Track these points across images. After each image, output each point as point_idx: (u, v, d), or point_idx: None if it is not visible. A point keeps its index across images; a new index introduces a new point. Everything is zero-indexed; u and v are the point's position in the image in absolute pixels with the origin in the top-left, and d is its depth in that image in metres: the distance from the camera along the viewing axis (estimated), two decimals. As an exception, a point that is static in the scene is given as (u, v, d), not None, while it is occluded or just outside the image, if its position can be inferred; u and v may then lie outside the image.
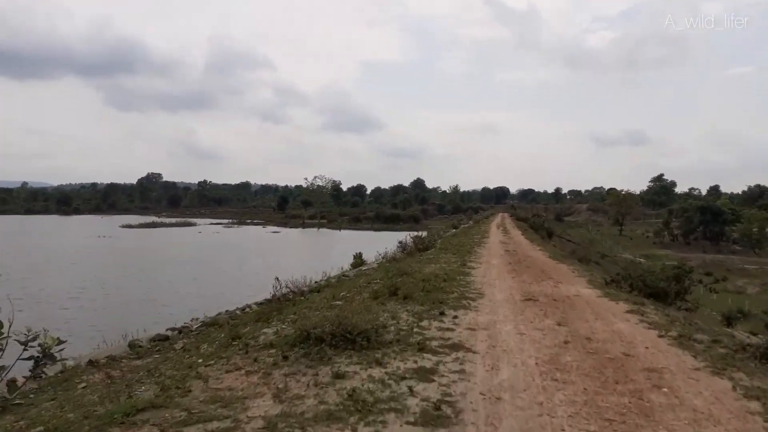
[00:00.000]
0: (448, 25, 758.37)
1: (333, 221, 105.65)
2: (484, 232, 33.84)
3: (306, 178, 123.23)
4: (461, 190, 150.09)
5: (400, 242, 23.35)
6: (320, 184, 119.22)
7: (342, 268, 28.78)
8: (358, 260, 31.61)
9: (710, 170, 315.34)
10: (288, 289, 11.14)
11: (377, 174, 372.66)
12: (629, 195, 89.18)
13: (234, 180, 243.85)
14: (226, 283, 30.69)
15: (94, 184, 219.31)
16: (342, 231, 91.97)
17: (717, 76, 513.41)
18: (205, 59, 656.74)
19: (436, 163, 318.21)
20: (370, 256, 28.24)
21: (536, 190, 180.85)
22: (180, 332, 11.44)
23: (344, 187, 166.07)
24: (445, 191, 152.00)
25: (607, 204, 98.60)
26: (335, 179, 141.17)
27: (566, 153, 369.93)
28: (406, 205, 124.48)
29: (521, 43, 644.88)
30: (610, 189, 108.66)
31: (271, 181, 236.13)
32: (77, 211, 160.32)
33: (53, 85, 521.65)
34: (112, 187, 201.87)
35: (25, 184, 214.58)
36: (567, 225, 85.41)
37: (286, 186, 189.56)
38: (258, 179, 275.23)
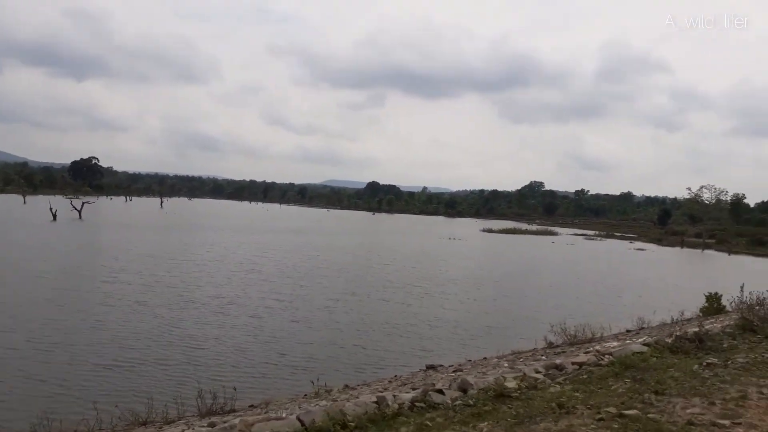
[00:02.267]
0: None
1: (724, 242, 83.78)
2: None
3: (689, 188, 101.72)
4: None
5: None
6: (706, 196, 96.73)
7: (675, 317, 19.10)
8: (711, 305, 20.95)
9: None
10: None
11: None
12: None
13: (617, 190, 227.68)
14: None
15: (482, 191, 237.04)
16: (732, 255, 71.51)
17: None
18: (596, 66, 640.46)
19: None
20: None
21: None
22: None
23: (751, 202, 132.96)
24: None
25: None
26: (738, 192, 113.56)
27: None
28: None
29: None
30: None
31: (660, 193, 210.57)
32: (460, 214, 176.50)
33: (456, 102, 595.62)
34: (494, 194, 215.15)
35: (425, 189, 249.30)
36: None
37: (675, 198, 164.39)
38: (645, 190, 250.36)
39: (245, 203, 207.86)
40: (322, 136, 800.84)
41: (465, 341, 18.54)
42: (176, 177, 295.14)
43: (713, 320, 15.84)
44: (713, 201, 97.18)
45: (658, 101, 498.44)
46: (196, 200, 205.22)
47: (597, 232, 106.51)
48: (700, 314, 20.30)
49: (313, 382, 11.90)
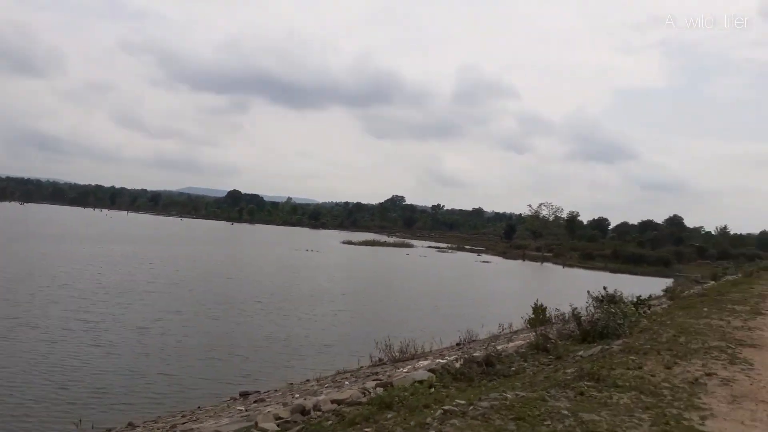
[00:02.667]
0: (720, 47, 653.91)
1: (560, 256, 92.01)
2: (762, 296, 19.86)
3: (530, 206, 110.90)
4: (731, 232, 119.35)
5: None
6: (545, 213, 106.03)
7: (505, 328, 19.44)
8: (537, 316, 21.64)
9: None
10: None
11: (627, 208, 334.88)
12: None
13: (470, 206, 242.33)
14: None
15: (346, 203, 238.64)
16: (566, 268, 78.54)
17: None
18: (453, 89, 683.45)
19: (699, 200, 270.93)
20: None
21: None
22: None
23: (584, 219, 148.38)
24: (709, 232, 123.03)
25: None
26: (573, 210, 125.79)
27: None
28: (656, 244, 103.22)
29: None
30: None
31: (508, 210, 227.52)
32: (324, 226, 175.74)
33: (322, 114, 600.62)
34: (358, 207, 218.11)
35: (289, 199, 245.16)
36: None
37: (520, 215, 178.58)
38: (495, 207, 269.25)
39: (89, 210, 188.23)
40: (180, 140, 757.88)
41: (292, 362, 17.23)
42: (9, 179, 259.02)
43: (529, 333, 16.11)
44: (551, 218, 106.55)
45: (507, 125, 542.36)
46: (29, 205, 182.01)
47: (449, 245, 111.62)
48: (528, 325, 20.95)
49: (76, 424, 9.80)
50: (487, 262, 76.14)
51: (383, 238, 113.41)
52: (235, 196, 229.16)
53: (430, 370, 6.60)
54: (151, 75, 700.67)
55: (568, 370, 5.47)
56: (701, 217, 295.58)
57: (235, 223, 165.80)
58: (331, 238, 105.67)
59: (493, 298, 36.89)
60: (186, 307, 24.49)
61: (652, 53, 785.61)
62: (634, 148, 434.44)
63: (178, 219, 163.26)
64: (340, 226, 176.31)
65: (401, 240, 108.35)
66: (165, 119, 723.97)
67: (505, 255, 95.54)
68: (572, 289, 35.41)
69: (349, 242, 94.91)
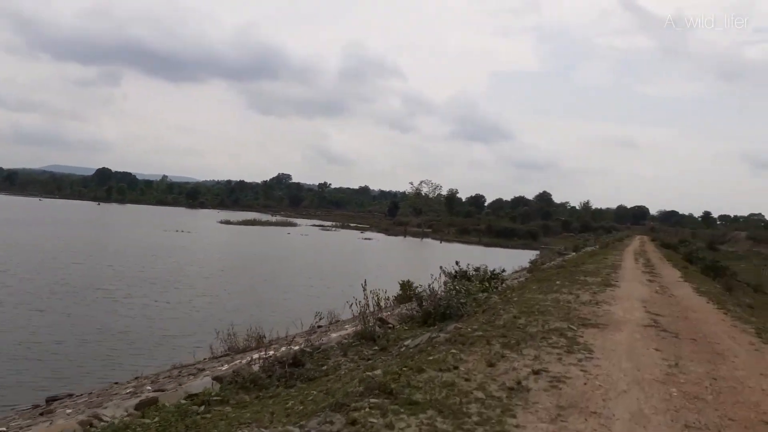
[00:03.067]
0: (587, 34, 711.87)
1: (439, 231, 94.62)
2: (614, 266, 20.79)
3: (411, 183, 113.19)
4: (593, 207, 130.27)
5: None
6: (425, 190, 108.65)
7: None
8: (405, 292, 20.89)
9: None
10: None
11: (503, 185, 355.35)
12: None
13: (357, 184, 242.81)
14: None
15: (228, 182, 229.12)
16: (443, 243, 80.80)
17: None
18: (340, 65, 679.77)
19: (567, 178, 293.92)
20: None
21: (680, 212, 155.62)
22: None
23: (463, 197, 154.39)
24: (574, 207, 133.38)
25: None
26: (452, 188, 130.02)
27: (715, 174, 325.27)
28: (526, 219, 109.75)
29: (666, 54, 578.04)
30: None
31: (393, 188, 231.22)
32: (203, 205, 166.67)
33: (202, 87, 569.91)
34: (241, 185, 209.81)
35: (165, 177, 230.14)
36: (723, 255, 66.20)
37: (404, 192, 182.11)
38: (381, 185, 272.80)
39: None
40: (42, 114, 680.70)
41: (122, 358, 15.02)
42: None
43: (395, 310, 15.28)
44: (432, 195, 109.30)
45: (393, 104, 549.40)
46: None
47: (334, 223, 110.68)
48: (395, 302, 20.26)
49: None
50: (369, 239, 76.06)
51: (266, 217, 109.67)
52: (104, 173, 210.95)
53: (216, 378, 5.15)
54: (6, 42, 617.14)
55: (366, 374, 4.29)
56: (568, 194, 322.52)
57: (102, 204, 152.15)
58: (209, 217, 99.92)
59: (371, 275, 36.31)
60: (7, 298, 20.97)
61: (528, 37, 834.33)
62: (509, 128, 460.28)
63: (37, 200, 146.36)
64: (221, 205, 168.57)
65: (284, 219, 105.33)
66: (24, 91, 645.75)
67: (387, 232, 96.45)
68: (446, 262, 35.75)
69: (227, 222, 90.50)
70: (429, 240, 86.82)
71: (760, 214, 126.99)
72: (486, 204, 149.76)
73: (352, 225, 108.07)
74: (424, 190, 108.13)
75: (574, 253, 48.90)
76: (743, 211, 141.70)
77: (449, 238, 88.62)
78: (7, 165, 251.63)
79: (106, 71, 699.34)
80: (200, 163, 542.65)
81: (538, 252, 54.80)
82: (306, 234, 75.45)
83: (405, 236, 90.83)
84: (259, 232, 74.89)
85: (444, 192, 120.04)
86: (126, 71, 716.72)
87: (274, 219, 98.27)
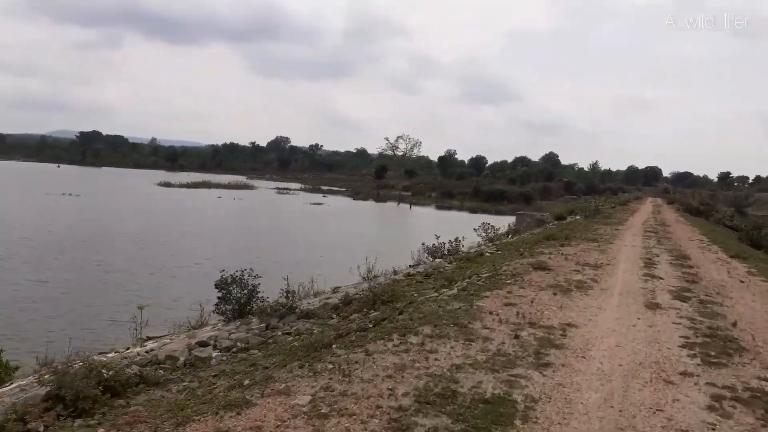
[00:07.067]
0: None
1: (418, 195, 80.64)
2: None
3: (387, 138, 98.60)
4: (602, 168, 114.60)
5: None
6: (402, 147, 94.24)
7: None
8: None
9: None
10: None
11: (513, 148, 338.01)
12: None
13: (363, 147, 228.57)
14: None
15: (216, 145, 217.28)
16: (415, 208, 67.05)
17: None
18: (344, 25, 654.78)
19: (577, 139, 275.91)
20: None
21: (695, 173, 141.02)
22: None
23: (466, 159, 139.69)
24: (582, 168, 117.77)
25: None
26: (451, 148, 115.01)
27: (731, 134, 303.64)
28: (526, 180, 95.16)
29: (682, 13, 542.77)
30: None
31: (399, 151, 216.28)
32: (183, 168, 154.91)
33: (204, 50, 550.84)
34: (231, 148, 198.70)
35: (153, 140, 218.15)
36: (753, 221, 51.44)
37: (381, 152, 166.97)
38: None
39: None
40: (45, 78, 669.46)
41: None
42: None
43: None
44: (410, 154, 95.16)
45: (399, 65, 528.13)
46: None
47: (303, 186, 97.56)
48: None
49: None
50: (319, 203, 62.20)
51: (227, 179, 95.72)
52: (88, 136, 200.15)
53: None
54: (4, 3, 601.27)
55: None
56: (578, 157, 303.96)
57: (68, 166, 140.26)
58: (151, 180, 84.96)
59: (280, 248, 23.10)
60: None
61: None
62: (519, 90, 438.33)
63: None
64: (202, 167, 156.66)
65: (239, 181, 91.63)
66: (26, 54, 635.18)
67: (357, 196, 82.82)
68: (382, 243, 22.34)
69: (167, 184, 77.66)
70: (406, 205, 73.04)
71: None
72: (487, 165, 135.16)
73: (323, 188, 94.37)
74: (401, 146, 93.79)
75: (555, 222, 35.31)
76: (760, 171, 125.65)
77: (429, 203, 74.82)
78: (12, 130, 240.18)
79: (105, 34, 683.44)
80: (205, 128, 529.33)
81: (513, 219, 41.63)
82: (241, 198, 61.91)
83: (377, 201, 77.17)
84: (189, 196, 61.92)
85: (420, 147, 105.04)
86: (125, 34, 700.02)
87: (226, 182, 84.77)
